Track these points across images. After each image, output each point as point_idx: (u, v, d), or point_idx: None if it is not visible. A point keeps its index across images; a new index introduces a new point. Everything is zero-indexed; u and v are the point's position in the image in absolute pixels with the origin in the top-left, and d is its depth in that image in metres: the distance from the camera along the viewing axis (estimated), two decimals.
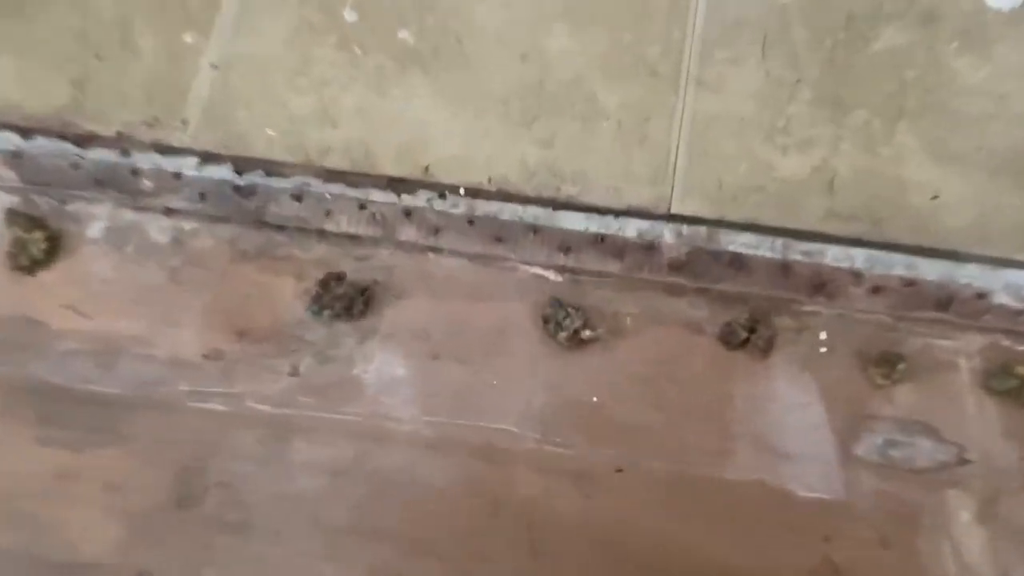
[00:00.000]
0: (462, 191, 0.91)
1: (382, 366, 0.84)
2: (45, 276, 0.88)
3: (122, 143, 0.94)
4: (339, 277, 0.85)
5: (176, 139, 0.94)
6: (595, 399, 0.82)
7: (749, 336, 0.83)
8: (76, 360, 0.85)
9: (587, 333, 0.83)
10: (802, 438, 0.81)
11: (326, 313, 0.84)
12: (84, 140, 0.94)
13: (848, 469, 0.80)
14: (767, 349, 0.83)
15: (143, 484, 0.81)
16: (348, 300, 0.84)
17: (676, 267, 0.86)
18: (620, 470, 0.80)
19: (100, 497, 0.79)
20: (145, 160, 0.92)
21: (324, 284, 0.85)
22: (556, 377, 0.83)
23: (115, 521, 0.78)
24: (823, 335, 0.85)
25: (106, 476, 0.80)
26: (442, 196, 0.90)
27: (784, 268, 0.86)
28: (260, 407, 0.83)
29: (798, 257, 0.87)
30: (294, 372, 0.83)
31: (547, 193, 0.91)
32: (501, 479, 0.80)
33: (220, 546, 0.77)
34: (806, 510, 0.78)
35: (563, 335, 0.83)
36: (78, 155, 0.93)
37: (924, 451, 0.79)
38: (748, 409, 0.82)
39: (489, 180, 0.91)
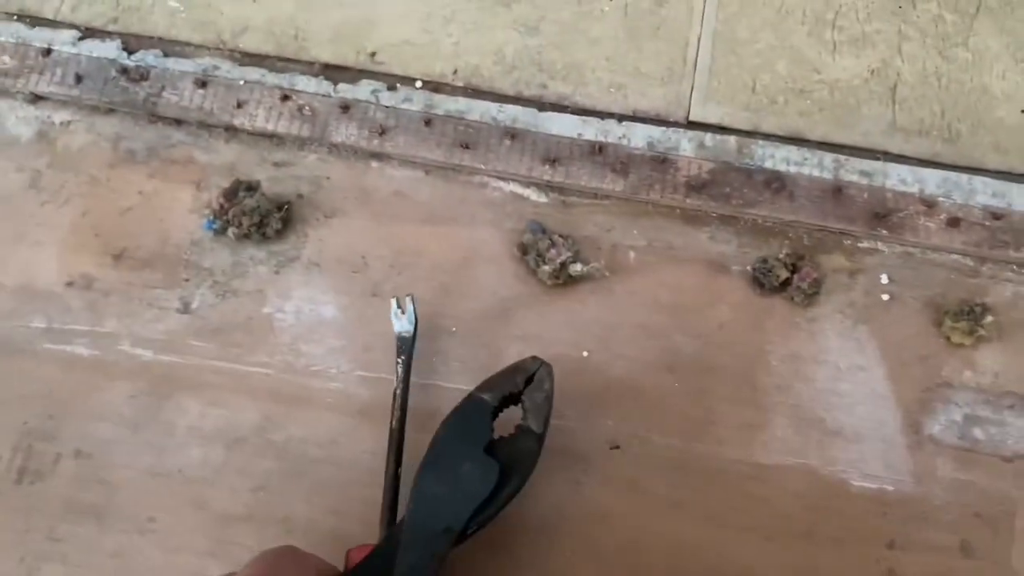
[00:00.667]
0: (419, 83, 0.70)
1: (303, 304, 0.63)
2: None
3: None
4: (250, 187, 0.64)
5: (49, 8, 0.72)
6: (585, 354, 0.62)
7: (790, 277, 0.63)
8: None
9: (577, 268, 0.62)
10: (858, 411, 0.62)
11: (231, 231, 0.63)
12: None
13: (918, 453, 0.60)
14: (812, 294, 0.63)
15: None
16: (260, 216, 0.63)
17: (696, 187, 0.66)
18: (616, 447, 0.60)
19: None
20: (5, 31, 0.70)
21: (230, 194, 0.64)
22: (536, 324, 0.63)
23: None
24: (885, 278, 0.65)
25: None
26: (392, 88, 0.69)
27: (836, 192, 0.66)
28: (137, 352, 0.62)
29: (853, 178, 0.67)
30: (185, 308, 0.62)
31: (530, 91, 0.70)
32: None
33: (70, 536, 0.56)
34: (863, 506, 0.59)
35: (546, 270, 0.62)
36: None
37: (1016, 431, 0.59)
38: (787, 372, 0.62)
39: (455, 72, 0.70)
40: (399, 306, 0.59)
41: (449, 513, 0.50)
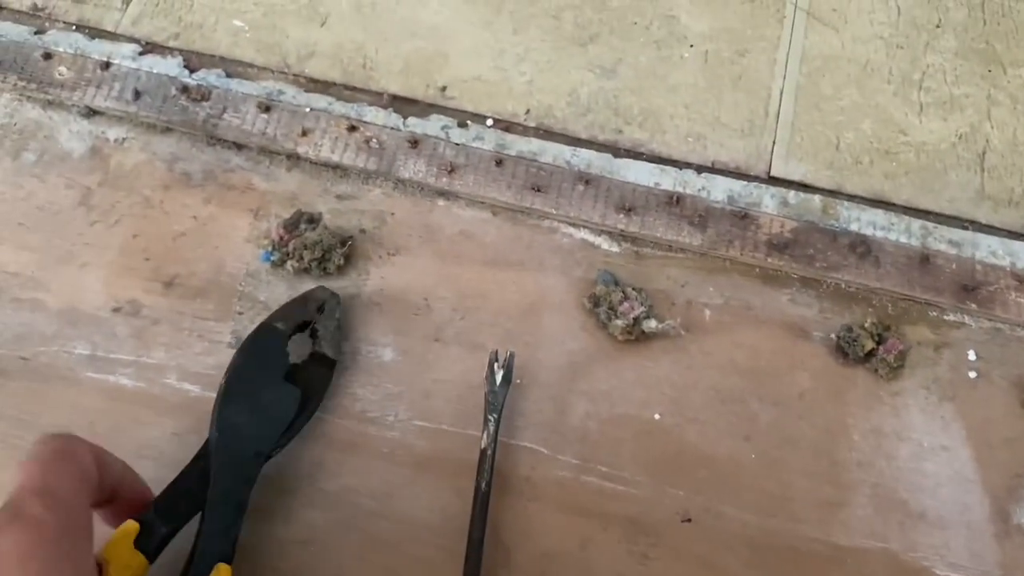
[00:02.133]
0: (489, 122, 0.68)
1: (361, 345, 0.61)
2: None
3: (37, 18, 0.71)
4: (312, 219, 0.62)
5: (110, 20, 0.70)
6: (657, 416, 0.60)
7: (875, 348, 0.60)
8: None
9: (651, 325, 0.60)
10: (942, 494, 0.59)
11: (289, 264, 0.61)
12: None
13: (1006, 543, 0.58)
14: (897, 367, 0.61)
15: (5, 483, 0.55)
16: (323, 250, 0.61)
17: (778, 247, 0.64)
18: (688, 520, 0.57)
19: None
20: (64, 41, 0.69)
21: (290, 226, 0.62)
22: (605, 381, 0.60)
23: None
24: (972, 354, 0.62)
25: None
26: (463, 125, 0.67)
27: (923, 260, 0.64)
28: (185, 387, 0.60)
29: (941, 247, 0.65)
30: (237, 343, 0.61)
31: (605, 136, 0.68)
32: (517, 519, 0.57)
33: None
34: None
35: (618, 324, 0.60)
36: None
37: None
38: (869, 448, 0.60)
39: (527, 112, 0.69)
40: (497, 360, 0.57)
41: (255, 439, 0.53)
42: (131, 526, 0.51)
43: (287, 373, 0.56)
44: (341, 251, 0.63)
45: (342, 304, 0.60)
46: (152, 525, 0.51)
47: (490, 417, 0.58)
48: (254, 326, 0.62)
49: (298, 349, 0.59)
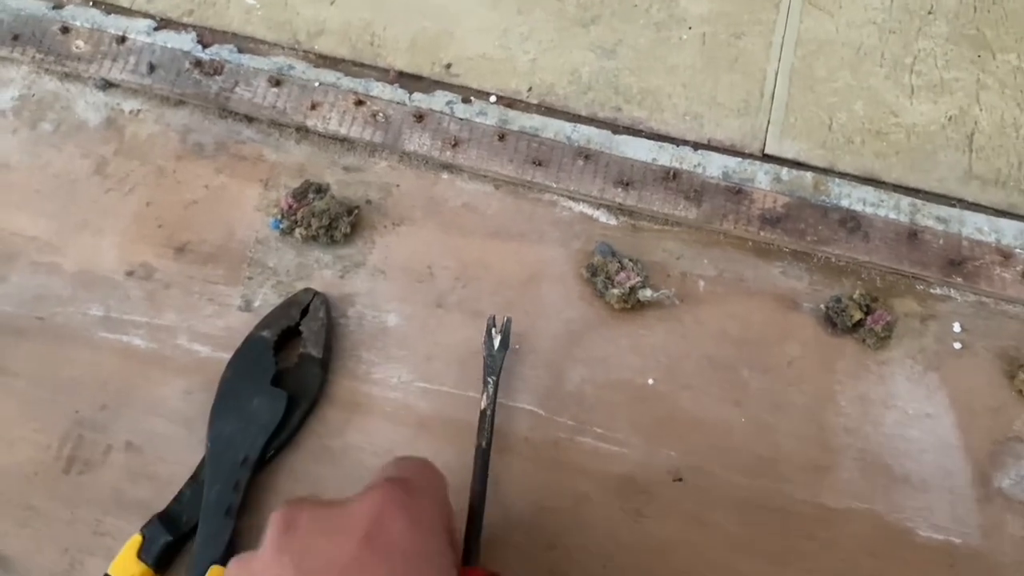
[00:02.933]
0: (493, 98, 0.71)
1: (366, 310, 0.63)
2: None
3: None
4: (320, 189, 0.65)
5: None
6: (651, 381, 0.62)
7: (863, 318, 0.63)
8: None
9: (647, 294, 0.63)
10: (925, 459, 0.61)
11: (298, 232, 0.63)
12: None
13: (987, 506, 0.60)
14: (884, 338, 0.64)
15: (20, 437, 0.59)
16: (330, 219, 0.63)
17: (770, 221, 0.66)
18: (680, 479, 0.60)
19: None
20: (81, 16, 0.71)
21: (299, 195, 0.64)
22: (601, 348, 0.63)
23: None
24: (957, 327, 0.65)
25: None
26: (467, 101, 0.70)
27: (911, 235, 0.67)
28: (195, 347, 0.62)
29: (929, 223, 0.67)
30: (246, 306, 0.62)
31: (605, 113, 0.71)
32: (515, 477, 0.59)
33: (116, 530, 0.57)
34: (929, 556, 0.59)
35: (614, 293, 0.62)
36: None
37: None
38: (856, 414, 0.62)
39: (530, 89, 0.71)
40: (495, 325, 0.60)
41: (244, 445, 0.56)
42: (134, 539, 0.55)
43: (275, 378, 0.59)
44: (348, 219, 0.65)
45: (328, 302, 0.62)
46: (154, 535, 0.55)
47: (489, 379, 0.60)
48: (263, 290, 0.64)
49: (288, 354, 0.61)
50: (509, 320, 0.62)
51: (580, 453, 0.62)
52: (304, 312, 0.61)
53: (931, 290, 0.68)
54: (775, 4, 0.77)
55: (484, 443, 0.59)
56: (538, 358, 0.65)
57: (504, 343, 0.62)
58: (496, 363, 0.61)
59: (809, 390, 0.64)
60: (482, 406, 0.60)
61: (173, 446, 0.61)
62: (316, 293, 0.62)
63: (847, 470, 0.62)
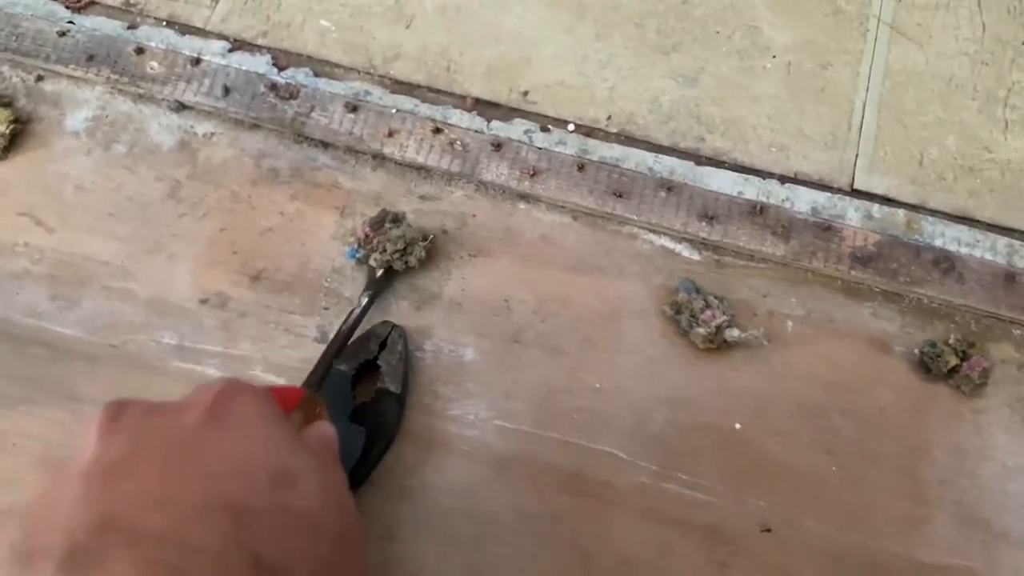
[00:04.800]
0: (571, 127, 0.69)
1: (443, 344, 0.62)
2: (1, 170, 0.66)
3: (129, 13, 0.73)
4: (396, 218, 0.63)
5: (199, 17, 0.72)
6: (738, 426, 0.60)
7: (959, 364, 0.60)
8: (25, 285, 0.63)
9: (734, 334, 0.61)
10: None
11: (373, 258, 0.62)
12: (80, 2, 0.73)
13: None
14: (980, 385, 0.62)
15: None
16: (404, 244, 0.61)
17: (861, 260, 0.64)
18: (768, 530, 0.57)
19: (29, 472, 0.57)
20: (156, 37, 0.71)
21: (376, 224, 0.62)
22: (685, 389, 0.61)
23: None
24: None
25: (41, 447, 0.58)
26: (545, 130, 0.68)
27: (1008, 278, 0.64)
28: (270, 379, 0.62)
29: None
30: (322, 337, 0.61)
31: (687, 143, 0.69)
32: (596, 523, 0.58)
33: None
34: None
35: (700, 332, 0.60)
36: (69, 20, 0.71)
37: None
38: (951, 465, 0.60)
39: (609, 118, 0.70)
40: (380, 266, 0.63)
41: None
42: None
43: (353, 413, 0.58)
44: (423, 245, 0.64)
45: (405, 335, 0.61)
46: None
47: (365, 293, 0.63)
48: (339, 321, 0.63)
49: (365, 388, 0.60)
50: (393, 271, 0.64)
51: (664, 500, 0.60)
52: (382, 346, 0.60)
53: None
54: (862, 33, 0.75)
55: (345, 328, 0.60)
56: (619, 398, 0.63)
57: (389, 279, 0.64)
58: (380, 285, 0.63)
59: (902, 439, 0.62)
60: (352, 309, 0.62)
61: None
62: (394, 326, 0.61)
63: (942, 524, 0.60)
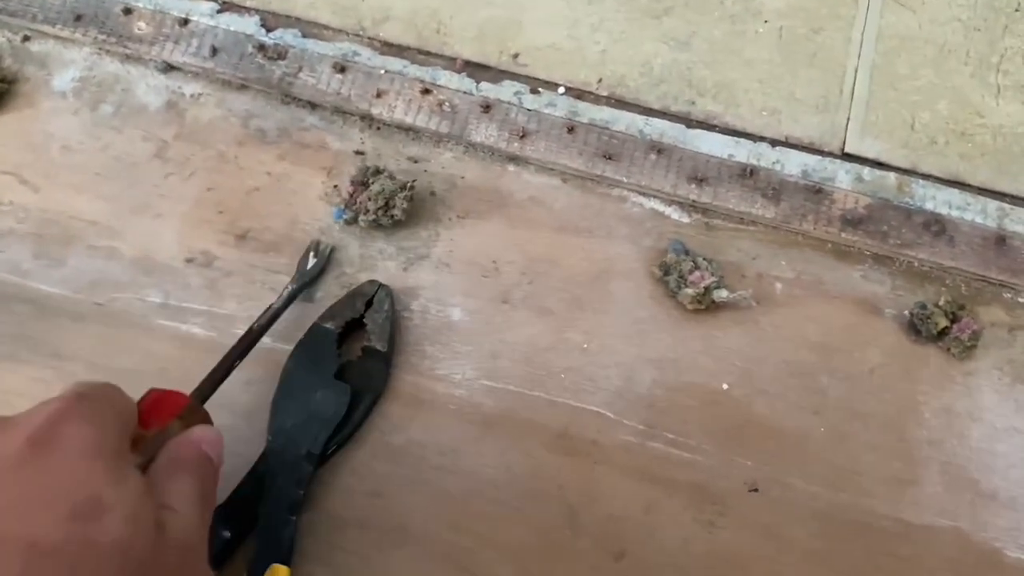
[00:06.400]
0: (561, 89, 0.69)
1: (430, 304, 0.61)
2: None
3: None
4: (378, 171, 0.63)
5: None
6: (726, 386, 0.60)
7: (949, 326, 0.60)
8: (11, 244, 0.63)
9: (723, 295, 0.60)
10: (1013, 476, 0.60)
11: (361, 219, 0.61)
12: None
13: None
14: (970, 347, 0.61)
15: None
16: (384, 198, 0.61)
17: (851, 222, 0.64)
18: (755, 490, 0.57)
19: None
20: None
21: (358, 180, 0.62)
22: (673, 349, 0.61)
23: None
24: None
25: (26, 403, 0.57)
26: (535, 92, 0.68)
27: (999, 241, 0.64)
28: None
29: (1019, 229, 0.65)
30: (309, 297, 0.60)
31: (678, 107, 0.69)
32: (583, 481, 0.57)
33: None
34: None
35: (688, 293, 0.60)
36: None
37: None
38: (940, 426, 0.60)
39: (599, 81, 0.69)
40: (316, 249, 0.63)
41: (307, 438, 0.55)
42: None
43: (338, 371, 0.57)
44: (403, 194, 0.64)
45: (392, 294, 0.61)
46: (214, 531, 0.52)
47: (289, 286, 0.61)
48: (325, 281, 0.63)
49: (351, 346, 0.60)
50: (332, 248, 0.64)
51: (651, 459, 0.60)
52: (368, 304, 0.60)
53: (1019, 299, 0.65)
54: None
55: (257, 326, 0.59)
56: (607, 358, 0.63)
57: (320, 266, 0.63)
58: (304, 279, 0.62)
59: (891, 400, 0.62)
60: (273, 303, 0.60)
61: (233, 438, 0.59)
62: (381, 285, 0.60)
63: (931, 484, 0.60)
